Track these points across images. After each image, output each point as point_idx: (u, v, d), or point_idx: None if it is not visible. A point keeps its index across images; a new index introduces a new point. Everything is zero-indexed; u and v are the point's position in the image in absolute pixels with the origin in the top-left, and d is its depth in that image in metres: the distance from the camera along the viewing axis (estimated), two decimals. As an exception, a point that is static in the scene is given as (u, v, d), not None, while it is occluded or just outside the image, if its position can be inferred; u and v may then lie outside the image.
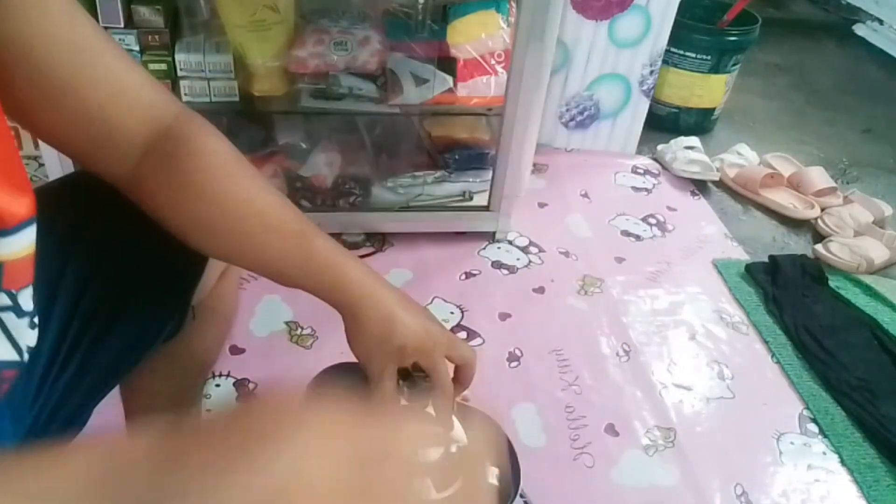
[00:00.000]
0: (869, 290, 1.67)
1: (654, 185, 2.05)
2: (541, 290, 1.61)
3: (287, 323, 1.42)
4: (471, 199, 1.66)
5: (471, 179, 1.66)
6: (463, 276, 1.61)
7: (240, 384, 1.28)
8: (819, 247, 1.79)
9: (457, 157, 1.64)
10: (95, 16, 1.34)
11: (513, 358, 1.41)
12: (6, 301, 0.50)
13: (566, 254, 1.73)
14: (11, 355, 0.53)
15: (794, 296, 1.62)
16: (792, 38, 3.16)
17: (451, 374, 0.68)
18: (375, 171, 1.66)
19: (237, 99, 1.46)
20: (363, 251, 1.63)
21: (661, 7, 1.91)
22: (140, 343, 0.71)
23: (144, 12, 1.37)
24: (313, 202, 1.60)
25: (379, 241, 1.66)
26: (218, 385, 1.27)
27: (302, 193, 1.59)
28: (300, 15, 1.46)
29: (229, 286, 0.83)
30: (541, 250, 1.72)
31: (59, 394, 0.64)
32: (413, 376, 0.67)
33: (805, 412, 1.38)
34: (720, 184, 2.07)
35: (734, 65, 2.24)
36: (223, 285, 0.81)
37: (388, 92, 1.50)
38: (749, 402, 1.39)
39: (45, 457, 0.34)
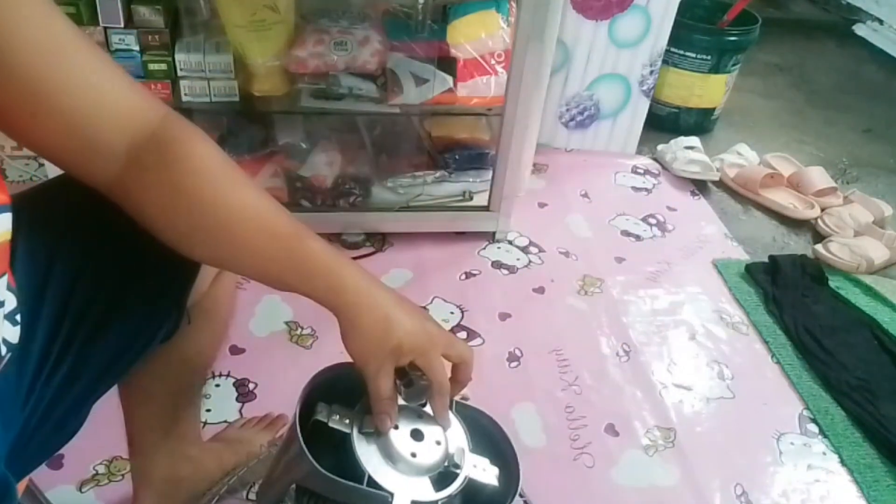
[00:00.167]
0: (869, 290, 1.67)
1: (654, 185, 2.05)
2: (541, 290, 1.61)
3: (287, 323, 1.42)
4: (471, 199, 1.66)
5: (471, 179, 1.66)
6: (463, 276, 1.61)
7: (240, 384, 1.28)
8: (819, 247, 1.79)
9: (457, 157, 1.64)
10: (95, 16, 1.34)
11: (513, 358, 1.41)
12: None
13: (566, 254, 1.73)
14: None
15: (794, 296, 1.62)
16: (792, 38, 3.16)
17: (449, 374, 0.67)
18: (375, 171, 1.66)
19: (237, 99, 1.46)
20: (363, 251, 1.63)
21: (661, 7, 1.91)
22: (135, 344, 0.70)
23: (144, 12, 1.37)
24: (313, 202, 1.60)
25: (379, 241, 1.66)
26: (218, 385, 1.27)
27: (302, 193, 1.59)
28: (300, 15, 1.46)
29: (225, 287, 0.83)
30: (541, 250, 1.72)
31: (51, 394, 0.63)
32: (410, 376, 0.67)
33: (805, 412, 1.38)
34: (720, 184, 2.07)
35: (734, 65, 2.24)
36: (219, 286, 0.80)
37: (388, 92, 1.50)
38: (749, 402, 1.39)
39: None
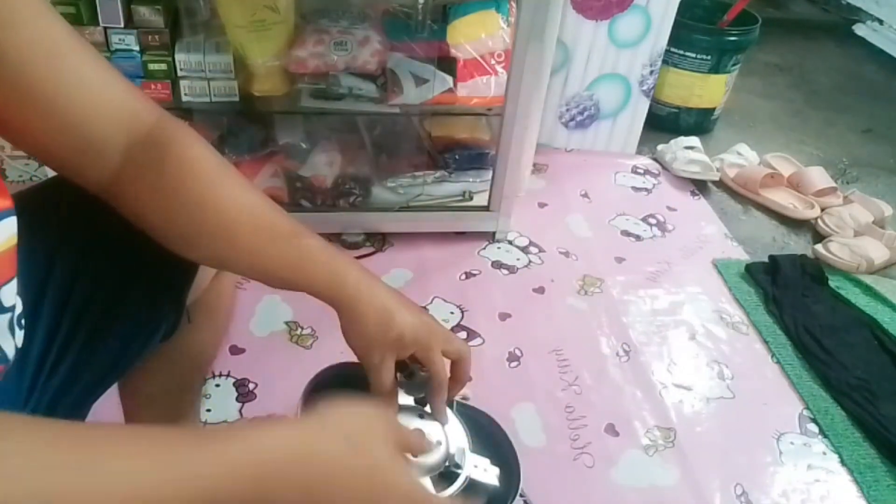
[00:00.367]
0: (869, 290, 1.67)
1: (654, 185, 2.05)
2: (541, 290, 1.61)
3: (287, 323, 1.42)
4: (471, 199, 1.66)
5: (471, 179, 1.66)
6: (463, 276, 1.61)
7: (240, 384, 1.28)
8: (819, 247, 1.79)
9: (457, 157, 1.64)
10: (95, 16, 1.34)
11: (513, 358, 1.41)
12: None
13: (566, 254, 1.73)
14: None
15: (794, 296, 1.62)
16: (792, 38, 3.16)
17: (448, 372, 0.68)
18: (375, 171, 1.66)
19: (237, 99, 1.46)
20: (363, 251, 1.63)
21: (661, 7, 1.91)
22: (135, 343, 0.70)
23: (144, 12, 1.37)
24: (313, 202, 1.60)
25: (379, 241, 1.66)
26: (218, 385, 1.27)
27: (302, 193, 1.59)
28: (300, 15, 1.46)
29: (224, 286, 0.83)
30: (541, 250, 1.72)
31: (52, 394, 0.64)
32: (411, 368, 0.67)
33: (805, 412, 1.38)
34: (720, 184, 2.07)
35: (734, 65, 2.24)
36: (218, 285, 0.80)
37: (388, 92, 1.50)
38: (749, 402, 1.39)
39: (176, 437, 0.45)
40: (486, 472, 0.69)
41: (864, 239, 1.80)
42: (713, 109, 2.32)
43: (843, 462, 1.29)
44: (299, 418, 0.55)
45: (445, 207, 1.66)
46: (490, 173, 1.62)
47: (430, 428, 0.67)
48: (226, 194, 0.61)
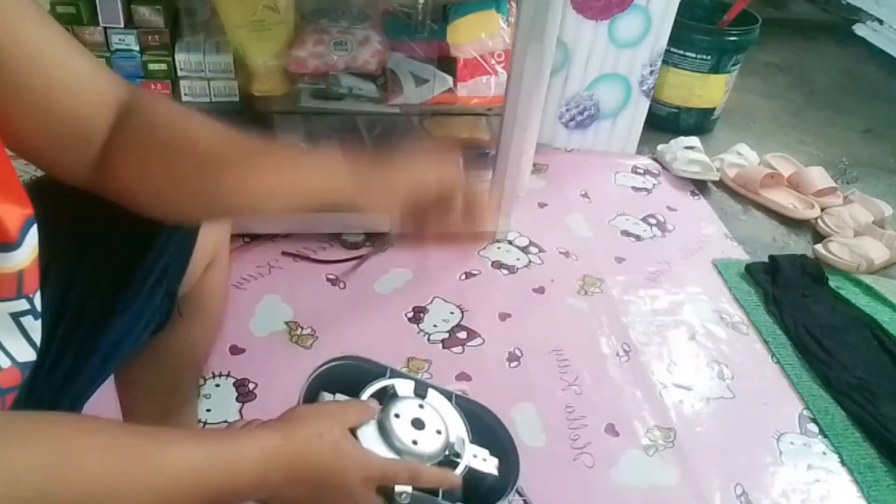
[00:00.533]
0: (869, 290, 1.67)
1: (654, 185, 2.05)
2: (541, 290, 1.61)
3: (287, 323, 1.42)
4: (471, 198, 1.66)
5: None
6: (463, 276, 1.61)
7: (240, 384, 1.28)
8: (819, 247, 1.79)
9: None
10: (95, 16, 1.35)
11: (513, 358, 1.41)
12: (26, 306, 0.52)
13: (566, 254, 1.73)
14: (30, 356, 0.54)
15: (794, 296, 1.62)
16: (792, 38, 3.16)
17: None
18: (375, 171, 1.66)
19: (237, 99, 1.46)
20: (363, 251, 1.63)
21: (661, 7, 1.91)
22: (128, 337, 0.71)
23: (144, 12, 1.37)
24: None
25: (379, 241, 1.66)
26: (218, 385, 1.27)
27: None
28: (300, 15, 1.46)
29: (217, 279, 0.83)
30: (541, 250, 1.72)
31: (53, 391, 0.64)
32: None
33: (805, 412, 1.38)
34: (720, 184, 2.07)
35: (734, 65, 2.24)
36: (210, 278, 0.81)
37: (388, 92, 1.50)
38: (749, 402, 1.39)
39: (161, 437, 0.50)
40: (485, 461, 0.69)
41: (864, 239, 1.80)
42: (713, 109, 2.32)
43: (843, 462, 1.29)
44: (270, 460, 0.56)
45: (445, 207, 1.65)
46: (490, 173, 1.62)
47: (431, 418, 0.68)
48: (201, 131, 0.61)
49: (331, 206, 0.61)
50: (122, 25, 1.36)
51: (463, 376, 1.35)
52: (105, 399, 0.79)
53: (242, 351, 1.35)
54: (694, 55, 2.18)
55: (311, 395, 0.67)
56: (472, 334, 1.45)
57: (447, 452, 0.67)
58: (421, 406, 0.69)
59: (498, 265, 1.66)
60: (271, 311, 1.45)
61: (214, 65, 1.42)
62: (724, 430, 1.32)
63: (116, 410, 0.92)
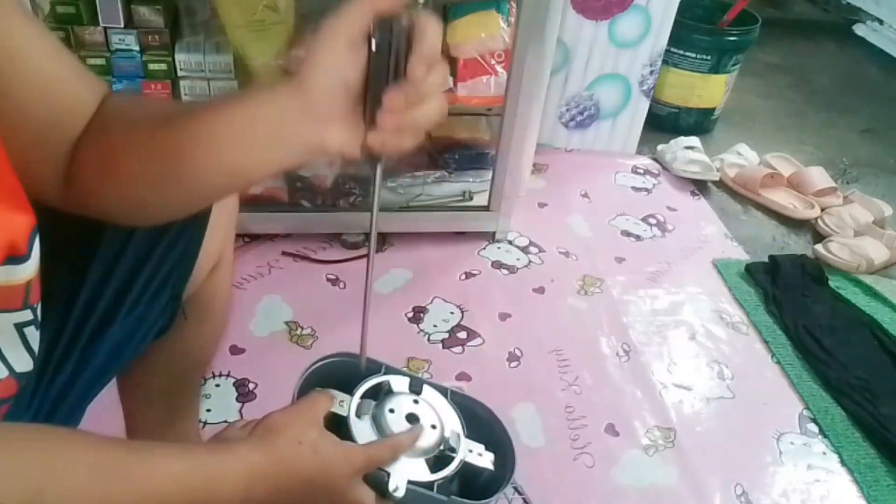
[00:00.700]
0: (869, 290, 1.67)
1: (654, 185, 2.05)
2: (541, 290, 1.61)
3: (287, 323, 1.42)
4: (471, 199, 1.66)
5: (471, 179, 1.66)
6: (463, 276, 1.61)
7: (240, 384, 1.28)
8: (819, 247, 1.79)
9: (457, 157, 1.64)
10: (95, 16, 1.35)
11: (513, 358, 1.41)
12: (30, 316, 0.52)
13: (566, 254, 1.73)
14: (28, 366, 0.54)
15: (794, 296, 1.62)
16: (792, 38, 3.16)
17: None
18: (375, 171, 1.66)
19: (237, 99, 1.46)
20: (363, 251, 1.63)
21: (661, 7, 1.91)
22: (132, 340, 0.71)
23: (144, 12, 1.37)
24: (313, 202, 1.60)
25: (379, 241, 1.66)
26: (218, 385, 1.27)
27: (302, 193, 1.59)
28: (300, 15, 1.46)
29: (221, 282, 0.83)
30: (541, 250, 1.72)
31: (56, 394, 0.64)
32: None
33: (805, 412, 1.38)
34: (720, 184, 2.07)
35: (734, 65, 2.24)
36: (214, 281, 0.81)
37: (388, 92, 1.49)
38: (749, 402, 1.39)
39: (145, 452, 0.50)
40: (480, 456, 0.70)
41: (864, 239, 1.80)
42: (713, 109, 2.32)
43: (843, 462, 1.29)
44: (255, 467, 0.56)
45: (445, 207, 1.66)
46: (490, 173, 1.61)
47: (426, 413, 0.68)
48: (156, 110, 0.58)
49: (302, 147, 0.54)
50: (122, 25, 1.36)
51: (463, 376, 1.35)
52: (107, 402, 0.79)
53: (242, 351, 1.35)
54: (694, 55, 2.18)
55: (305, 392, 0.68)
56: (472, 334, 1.45)
57: (442, 447, 0.67)
58: (416, 402, 0.69)
59: (498, 265, 1.66)
60: (271, 311, 1.44)
61: (214, 65, 1.42)
62: (724, 430, 1.32)
63: (119, 413, 0.92)
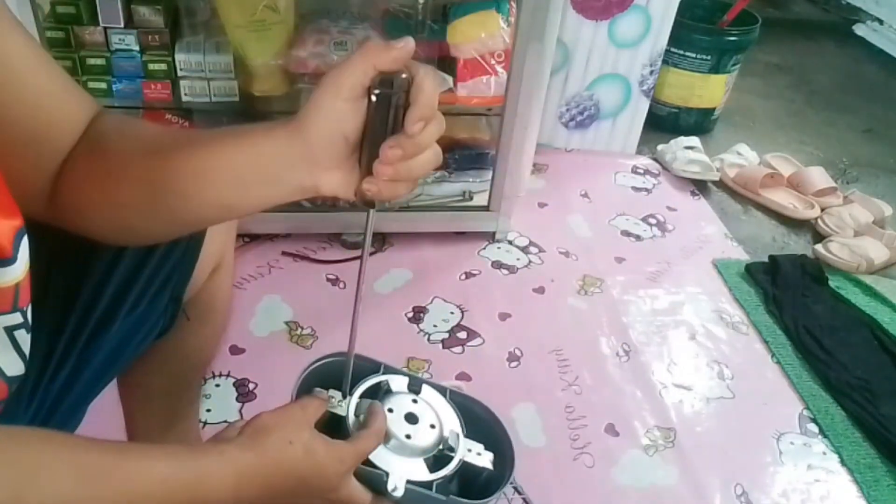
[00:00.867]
0: (869, 290, 1.67)
1: (654, 185, 2.05)
2: (541, 290, 1.61)
3: (287, 323, 1.42)
4: (471, 199, 1.66)
5: (471, 179, 1.66)
6: (463, 276, 1.61)
7: (240, 384, 1.28)
8: (819, 247, 1.79)
9: (457, 157, 1.64)
10: (95, 16, 1.35)
11: (513, 358, 1.41)
12: (20, 319, 0.51)
13: (566, 254, 1.73)
14: (20, 370, 0.53)
15: (794, 296, 1.62)
16: (792, 38, 3.16)
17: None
18: (375, 170, 1.66)
19: (237, 99, 1.46)
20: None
21: (661, 7, 1.91)
22: (132, 341, 0.71)
23: (144, 12, 1.37)
24: (313, 202, 1.60)
25: (379, 241, 1.66)
26: (218, 385, 1.27)
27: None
28: (300, 15, 1.46)
29: (222, 283, 0.83)
30: (541, 250, 1.72)
31: (54, 395, 0.64)
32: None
33: (805, 412, 1.38)
34: (720, 184, 2.07)
35: (734, 65, 2.24)
36: (215, 282, 0.81)
37: (388, 92, 1.49)
38: (749, 402, 1.39)
39: (129, 453, 0.50)
40: (479, 456, 0.70)
41: (864, 239, 1.80)
42: (713, 109, 2.32)
43: (843, 462, 1.29)
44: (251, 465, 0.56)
45: (445, 207, 1.66)
46: (490, 173, 1.61)
47: (424, 412, 0.68)
48: (149, 134, 0.58)
49: (295, 188, 0.55)
50: (122, 25, 1.36)
51: (463, 376, 1.35)
52: (107, 402, 0.79)
53: (242, 351, 1.35)
54: (694, 55, 2.18)
55: (304, 392, 0.68)
56: (472, 334, 1.45)
57: (441, 447, 0.67)
58: (415, 401, 0.69)
59: (498, 265, 1.66)
60: (271, 311, 1.44)
61: (214, 65, 1.42)
62: (724, 430, 1.32)
63: (119, 414, 0.93)
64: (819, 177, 2.02)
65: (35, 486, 0.42)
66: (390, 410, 0.67)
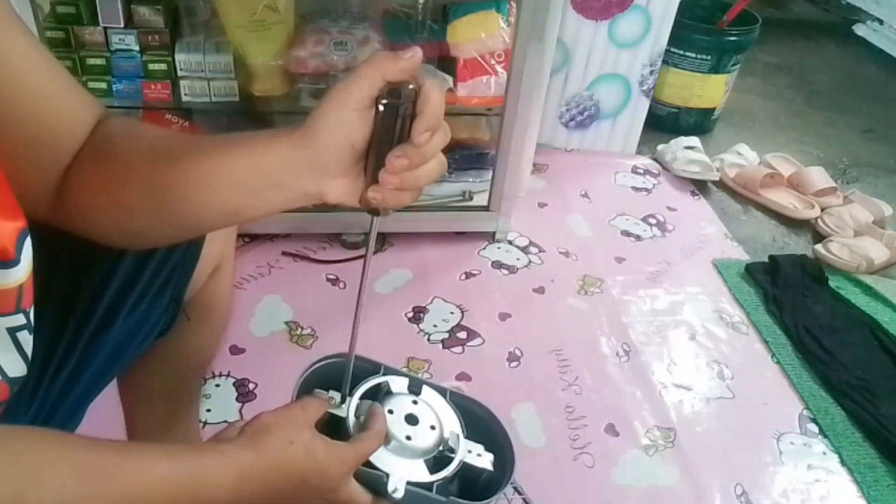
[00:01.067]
0: (869, 290, 1.67)
1: (654, 185, 2.05)
2: (541, 290, 1.61)
3: (287, 323, 1.42)
4: (471, 199, 1.66)
5: (471, 179, 1.66)
6: (463, 276, 1.61)
7: (240, 384, 1.28)
8: (819, 247, 1.79)
9: (457, 157, 1.64)
10: (95, 16, 1.35)
11: (513, 358, 1.41)
12: (22, 320, 0.51)
13: (566, 254, 1.73)
14: (21, 371, 0.53)
15: (794, 296, 1.62)
16: (792, 38, 3.16)
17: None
18: (375, 171, 1.66)
19: (237, 99, 1.46)
20: (363, 251, 1.63)
21: (661, 7, 1.91)
22: (133, 341, 0.71)
23: (144, 12, 1.37)
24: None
25: (379, 241, 1.66)
26: (218, 385, 1.27)
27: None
28: (300, 15, 1.46)
29: (222, 283, 0.83)
30: (541, 250, 1.72)
31: (55, 395, 0.64)
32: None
33: (805, 412, 1.38)
34: (720, 184, 2.07)
35: (734, 65, 2.24)
36: (215, 282, 0.81)
37: (388, 92, 1.49)
38: (749, 402, 1.39)
39: (129, 453, 0.50)
40: (480, 457, 0.70)
41: (864, 239, 1.80)
42: (713, 109, 2.32)
43: (843, 462, 1.29)
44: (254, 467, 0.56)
45: (445, 207, 1.66)
46: (490, 173, 1.62)
47: (424, 413, 0.68)
48: (154, 139, 0.58)
49: (301, 194, 0.55)
50: (122, 25, 1.36)
51: (463, 376, 1.35)
52: (107, 402, 0.79)
53: (242, 351, 1.35)
54: (694, 55, 2.18)
55: (304, 393, 0.68)
56: (472, 334, 1.45)
57: (441, 448, 0.67)
58: (415, 402, 0.69)
59: (498, 265, 1.66)
60: (271, 311, 1.44)
61: (214, 65, 1.42)
62: (724, 430, 1.32)
63: (119, 414, 0.92)
64: (819, 177, 2.02)
65: (35, 485, 0.42)
66: (390, 412, 0.67)
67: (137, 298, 0.68)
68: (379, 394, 0.70)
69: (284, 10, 1.39)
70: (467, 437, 0.70)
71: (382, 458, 0.64)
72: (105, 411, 0.81)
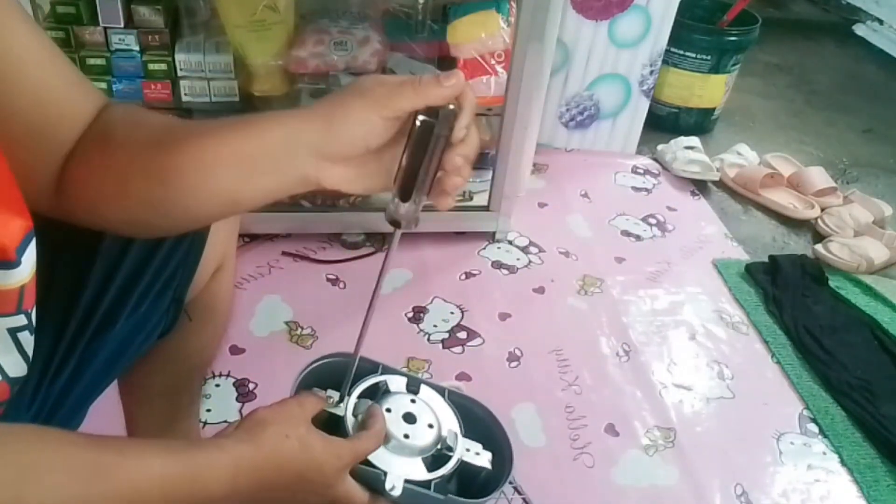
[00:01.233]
0: (869, 290, 1.67)
1: (654, 185, 2.05)
2: (541, 290, 1.61)
3: (287, 323, 1.42)
4: (471, 199, 1.66)
5: (471, 179, 1.66)
6: (463, 276, 1.61)
7: (240, 384, 1.28)
8: (819, 247, 1.79)
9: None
10: (95, 16, 1.35)
11: (513, 358, 1.41)
12: (24, 321, 0.51)
13: (566, 254, 1.73)
14: (22, 371, 0.53)
15: (794, 296, 1.62)
16: (792, 38, 3.16)
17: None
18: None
19: (237, 99, 1.46)
20: (363, 251, 1.62)
21: (661, 7, 1.91)
22: (134, 341, 0.71)
23: (144, 12, 1.37)
24: (313, 202, 1.60)
25: (379, 241, 1.66)
26: (218, 385, 1.27)
27: (302, 193, 1.59)
28: (300, 15, 1.46)
29: (223, 284, 0.83)
30: (541, 250, 1.72)
31: (56, 395, 0.64)
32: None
33: (805, 412, 1.38)
34: (720, 184, 2.07)
35: (734, 65, 2.24)
36: (217, 283, 0.81)
37: (388, 92, 1.49)
38: (749, 402, 1.39)
39: (127, 450, 0.50)
40: (478, 455, 0.70)
41: (864, 239, 1.80)
42: (713, 109, 2.32)
43: (843, 462, 1.29)
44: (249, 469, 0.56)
45: (445, 207, 1.65)
46: (490, 173, 1.61)
47: (422, 412, 0.68)
48: (156, 124, 0.58)
49: (299, 177, 0.55)
50: (122, 25, 1.36)
51: (463, 376, 1.35)
52: (108, 402, 0.79)
53: (242, 351, 1.35)
54: (694, 55, 2.18)
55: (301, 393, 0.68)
56: (472, 334, 1.45)
57: (439, 446, 0.67)
58: (413, 401, 0.69)
59: (498, 265, 1.66)
60: (271, 311, 1.44)
61: (214, 65, 1.42)
62: (724, 430, 1.32)
63: (119, 413, 0.92)
64: (819, 177, 2.02)
65: (35, 484, 0.42)
66: (388, 410, 0.67)
67: (139, 299, 0.68)
68: (377, 393, 0.70)
69: (284, 10, 1.39)
70: (465, 435, 0.71)
71: (380, 457, 0.64)
72: (106, 411, 0.81)
